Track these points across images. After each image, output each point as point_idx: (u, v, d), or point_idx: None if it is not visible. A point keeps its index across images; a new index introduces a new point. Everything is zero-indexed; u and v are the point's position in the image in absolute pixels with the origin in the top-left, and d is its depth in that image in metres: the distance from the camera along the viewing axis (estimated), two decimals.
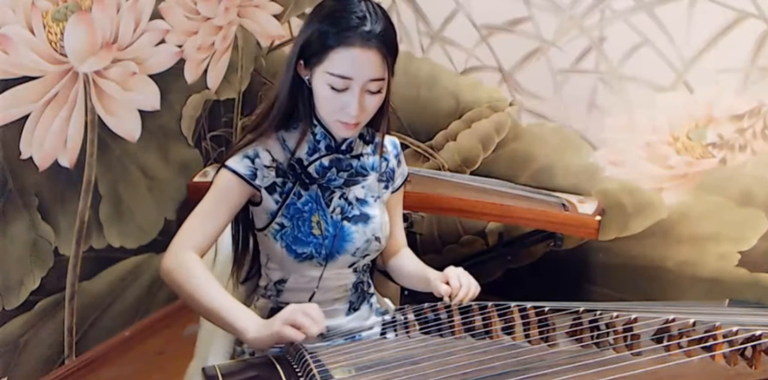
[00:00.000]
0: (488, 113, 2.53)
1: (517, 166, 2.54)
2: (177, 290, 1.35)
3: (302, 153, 1.43)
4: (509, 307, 1.41)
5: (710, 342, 1.31)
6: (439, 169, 2.64)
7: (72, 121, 2.11)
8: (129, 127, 2.33)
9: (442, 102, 2.58)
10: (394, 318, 1.54)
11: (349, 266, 1.48)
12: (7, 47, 1.88)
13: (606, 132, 2.40)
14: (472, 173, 2.60)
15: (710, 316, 1.43)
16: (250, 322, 1.26)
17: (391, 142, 1.57)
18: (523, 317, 1.39)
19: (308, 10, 2.67)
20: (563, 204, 2.32)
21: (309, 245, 1.41)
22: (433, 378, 1.19)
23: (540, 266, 2.62)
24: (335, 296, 1.50)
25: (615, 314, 1.38)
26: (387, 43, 1.31)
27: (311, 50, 1.32)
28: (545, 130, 2.47)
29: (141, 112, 2.36)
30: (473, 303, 1.42)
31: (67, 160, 2.13)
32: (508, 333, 1.38)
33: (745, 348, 1.32)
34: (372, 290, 1.60)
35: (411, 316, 1.47)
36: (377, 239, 1.48)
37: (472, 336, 1.37)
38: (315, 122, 1.41)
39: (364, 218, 1.47)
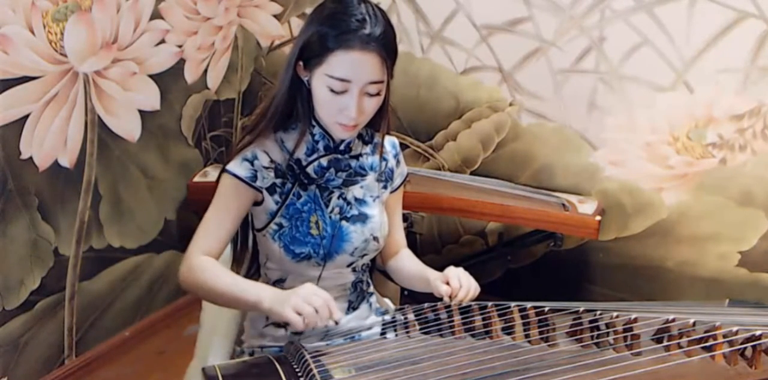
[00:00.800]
0: (488, 113, 2.53)
1: (517, 166, 2.54)
2: (197, 292, 1.36)
3: (301, 153, 1.44)
4: (509, 307, 1.41)
5: (710, 342, 1.31)
6: (439, 169, 2.64)
7: (72, 121, 2.11)
8: (129, 127, 2.33)
9: (442, 102, 2.58)
10: (394, 318, 1.54)
11: (348, 266, 1.49)
12: (7, 47, 1.88)
13: (606, 132, 2.40)
14: (472, 173, 2.60)
15: (710, 316, 1.43)
16: (264, 294, 1.27)
17: (390, 143, 1.57)
18: (523, 317, 1.40)
19: (308, 10, 2.68)
20: (563, 204, 2.32)
21: (307, 245, 1.42)
22: (433, 378, 1.19)
23: (540, 266, 2.62)
24: (334, 295, 1.49)
25: (615, 314, 1.38)
26: (386, 46, 1.31)
27: (311, 52, 1.33)
28: (545, 130, 2.47)
29: (141, 112, 2.36)
30: (473, 303, 1.42)
31: (67, 160, 2.13)
32: (508, 333, 1.38)
33: (745, 348, 1.32)
34: (371, 289, 1.61)
35: (411, 316, 1.47)
36: (375, 239, 1.48)
37: (472, 336, 1.37)
38: (313, 123, 1.42)
39: (363, 218, 1.47)
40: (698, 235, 2.37)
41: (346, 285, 1.51)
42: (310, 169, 1.44)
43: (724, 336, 1.31)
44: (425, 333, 1.40)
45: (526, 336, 1.36)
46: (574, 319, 1.39)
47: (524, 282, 2.65)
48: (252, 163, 1.40)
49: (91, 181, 2.22)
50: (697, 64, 2.23)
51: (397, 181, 1.58)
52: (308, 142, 1.44)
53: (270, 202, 1.42)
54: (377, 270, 1.68)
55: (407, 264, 1.59)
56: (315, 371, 1.19)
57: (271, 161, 1.41)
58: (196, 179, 2.53)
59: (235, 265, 1.53)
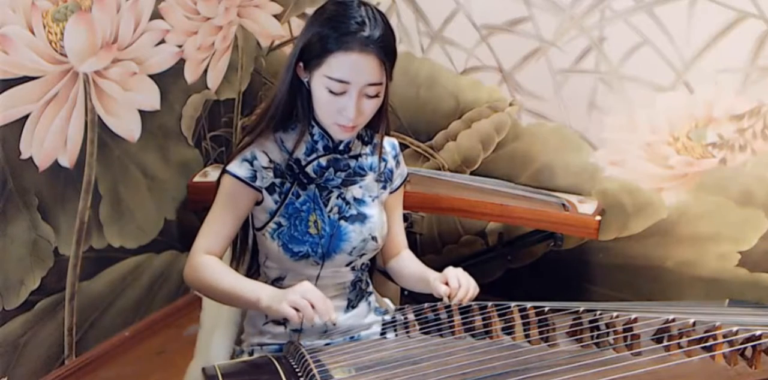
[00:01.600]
0: (488, 113, 2.53)
1: (517, 166, 2.54)
2: (201, 290, 1.39)
3: (300, 153, 1.45)
4: (509, 307, 1.41)
5: (710, 342, 1.31)
6: (439, 169, 2.64)
7: (72, 121, 2.11)
8: (129, 127, 2.33)
9: (442, 102, 2.58)
10: (394, 318, 1.55)
11: (347, 265, 1.49)
12: (7, 47, 1.88)
13: (606, 132, 2.40)
14: (472, 173, 2.60)
15: (710, 316, 1.43)
16: (262, 293, 1.29)
17: (389, 144, 1.57)
18: (523, 317, 1.40)
19: (308, 11, 2.68)
20: (563, 204, 2.32)
21: (305, 244, 1.42)
22: (433, 378, 1.19)
23: (540, 266, 2.62)
24: (333, 293, 1.50)
25: (615, 314, 1.38)
26: (385, 49, 1.33)
27: (311, 53, 1.34)
28: (545, 130, 2.47)
29: (141, 112, 2.36)
30: (473, 303, 1.42)
31: (67, 160, 2.13)
32: (508, 333, 1.38)
33: (745, 348, 1.32)
34: (371, 289, 1.61)
35: (411, 316, 1.47)
36: (374, 239, 1.49)
37: (472, 336, 1.37)
38: (313, 123, 1.43)
39: (362, 218, 1.47)
40: (698, 235, 2.37)
41: (345, 284, 1.52)
42: (309, 169, 1.45)
43: (724, 336, 1.31)
44: (425, 333, 1.41)
45: (526, 336, 1.36)
46: (574, 319, 1.39)
47: (524, 282, 2.65)
48: (251, 164, 1.41)
49: (91, 181, 2.22)
50: (697, 64, 2.23)
51: (397, 181, 1.59)
52: (307, 142, 1.44)
53: (269, 202, 1.43)
54: (377, 270, 1.68)
55: (408, 265, 1.60)
56: (315, 371, 1.19)
57: (271, 161, 1.42)
58: (196, 179, 2.53)
59: (235, 264, 1.54)
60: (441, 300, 1.42)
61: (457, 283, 1.41)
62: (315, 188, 1.45)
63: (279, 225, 1.43)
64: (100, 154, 2.23)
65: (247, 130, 1.47)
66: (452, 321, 1.40)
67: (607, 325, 1.36)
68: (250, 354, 1.50)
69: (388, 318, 1.57)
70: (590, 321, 1.38)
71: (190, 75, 2.54)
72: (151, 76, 2.36)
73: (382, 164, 1.54)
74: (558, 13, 2.34)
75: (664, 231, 2.41)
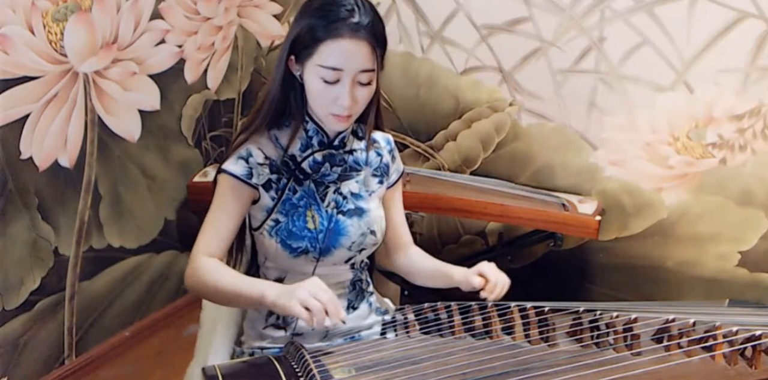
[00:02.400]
0: (488, 113, 2.53)
1: (517, 166, 2.54)
2: (202, 293, 1.36)
3: (295, 149, 1.45)
4: (509, 307, 1.41)
5: (710, 342, 1.31)
6: (439, 169, 2.64)
7: (72, 121, 2.11)
8: (129, 127, 2.33)
9: (442, 102, 2.58)
10: (394, 318, 1.55)
11: (346, 261, 1.49)
12: (7, 47, 1.88)
13: (606, 132, 2.40)
14: (472, 173, 2.60)
15: (710, 316, 1.43)
16: (267, 288, 1.26)
17: (384, 138, 1.58)
18: (523, 317, 1.40)
19: None
20: (563, 204, 2.32)
21: (304, 239, 1.42)
22: (433, 378, 1.19)
23: (540, 266, 2.62)
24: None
25: (615, 314, 1.38)
26: (376, 35, 1.33)
27: (301, 44, 1.35)
28: (545, 130, 2.47)
29: (141, 112, 2.36)
30: (473, 303, 1.42)
31: (67, 160, 2.13)
32: (508, 333, 1.38)
33: (745, 348, 1.32)
34: (371, 289, 1.60)
35: (411, 316, 1.47)
36: (372, 232, 1.49)
37: (472, 336, 1.37)
38: (307, 118, 1.44)
39: (359, 212, 1.48)
40: (698, 235, 2.37)
41: (344, 284, 1.51)
42: (305, 165, 1.45)
43: (724, 336, 1.31)
44: (425, 333, 1.41)
45: (526, 336, 1.36)
46: (574, 319, 1.39)
47: (524, 282, 2.64)
48: (247, 161, 1.41)
49: (91, 181, 2.22)
50: (697, 64, 2.23)
51: (393, 176, 1.59)
52: (302, 138, 1.45)
53: (266, 198, 1.43)
54: (377, 270, 1.68)
55: (421, 260, 1.61)
56: (315, 371, 1.19)
57: (266, 158, 1.42)
58: (196, 179, 2.53)
59: (232, 265, 1.53)
60: (441, 300, 1.42)
61: (495, 278, 1.41)
62: (311, 183, 1.45)
63: (276, 222, 1.43)
64: (100, 154, 2.23)
65: (241, 129, 1.47)
66: (452, 321, 1.40)
67: (607, 325, 1.36)
68: (251, 355, 1.49)
69: (388, 318, 1.56)
70: (590, 321, 1.38)
71: (190, 75, 2.54)
72: (151, 76, 2.36)
73: (378, 159, 1.54)
74: (558, 13, 2.34)
75: (664, 231, 2.41)
